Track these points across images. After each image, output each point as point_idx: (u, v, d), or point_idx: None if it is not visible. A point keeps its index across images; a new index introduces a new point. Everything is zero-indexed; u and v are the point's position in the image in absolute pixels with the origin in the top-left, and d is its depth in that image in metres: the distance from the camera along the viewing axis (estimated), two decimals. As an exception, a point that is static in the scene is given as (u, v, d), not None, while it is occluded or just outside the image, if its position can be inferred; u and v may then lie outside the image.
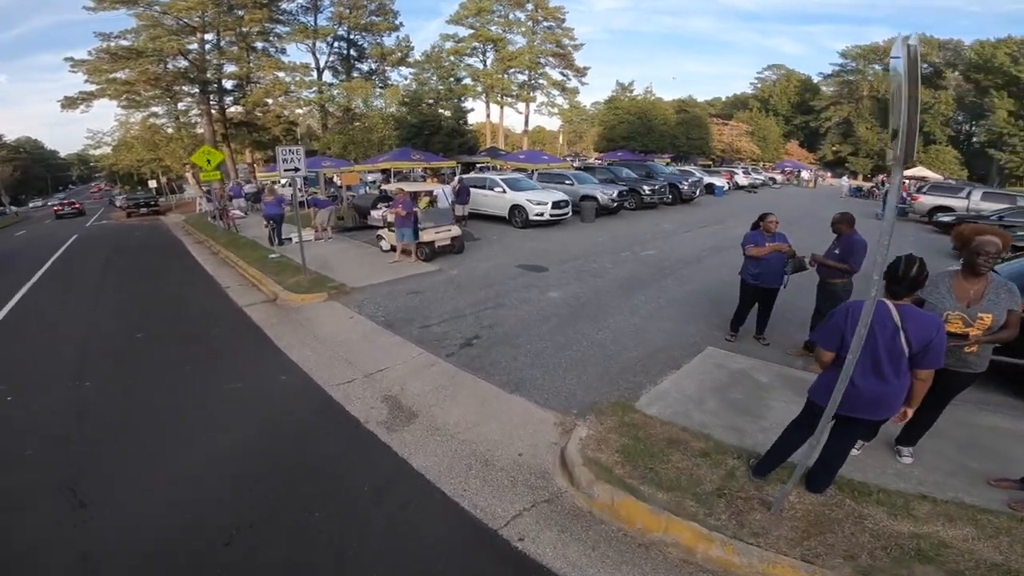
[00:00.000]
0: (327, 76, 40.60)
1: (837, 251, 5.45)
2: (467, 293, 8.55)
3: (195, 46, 31.99)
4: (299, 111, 40.15)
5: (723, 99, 68.43)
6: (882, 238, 2.33)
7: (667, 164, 32.66)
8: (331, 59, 40.99)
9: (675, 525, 3.20)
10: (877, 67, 52.99)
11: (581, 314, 7.43)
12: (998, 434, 4.20)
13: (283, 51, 37.45)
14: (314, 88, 38.29)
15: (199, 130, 35.31)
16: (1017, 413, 4.54)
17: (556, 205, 15.24)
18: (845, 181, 37.13)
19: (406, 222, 10.32)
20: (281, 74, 36.18)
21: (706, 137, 45.24)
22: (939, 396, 3.47)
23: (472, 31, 45.42)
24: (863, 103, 53.15)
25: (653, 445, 3.96)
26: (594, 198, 17.15)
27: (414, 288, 8.91)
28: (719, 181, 28.15)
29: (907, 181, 29.62)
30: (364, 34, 41.40)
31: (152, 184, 33.82)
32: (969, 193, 18.86)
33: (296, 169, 9.17)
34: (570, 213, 16.05)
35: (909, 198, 21.52)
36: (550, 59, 47.16)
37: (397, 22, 41.61)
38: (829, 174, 49.61)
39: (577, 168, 22.70)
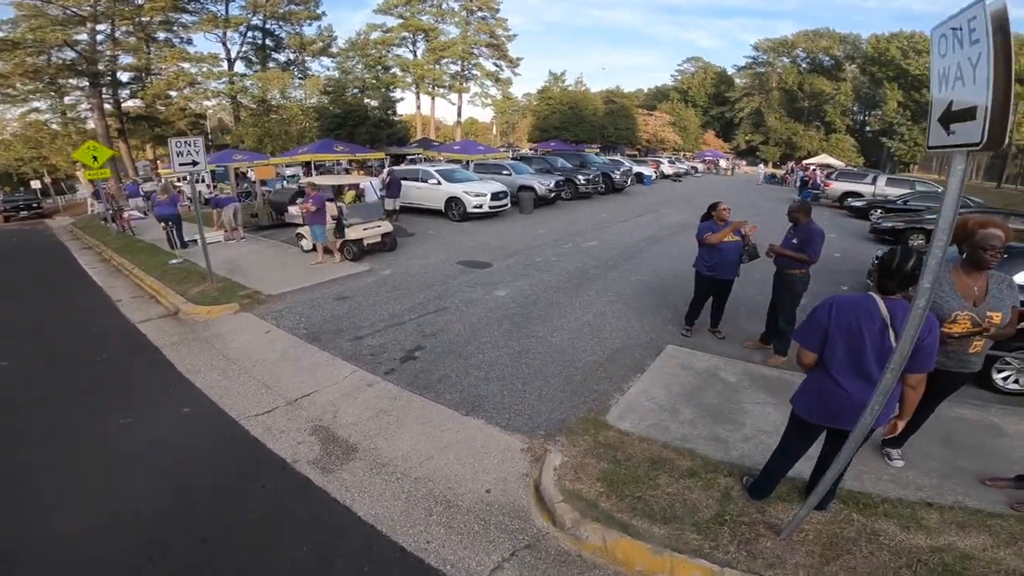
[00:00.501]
0: (239, 67, 37.51)
1: (795, 240, 5.27)
2: (404, 296, 7.75)
3: (85, 36, 28.36)
4: (207, 103, 36.92)
5: (646, 91, 70.25)
6: (938, 235, 1.90)
7: (597, 154, 32.92)
8: (244, 49, 37.93)
9: (681, 564, 2.74)
10: (785, 60, 56.46)
11: (532, 314, 6.88)
12: (970, 426, 4.11)
13: (189, 41, 34.34)
14: (224, 79, 35.19)
15: (90, 125, 31.44)
16: (978, 403, 4.49)
17: (495, 197, 14.65)
18: (761, 169, 39.41)
19: (317, 218, 9.38)
20: (186, 65, 33.11)
21: (633, 127, 46.10)
22: (934, 397, 3.23)
23: (402, 20, 43.58)
24: (772, 94, 56.37)
25: (636, 468, 3.47)
26: (532, 189, 16.73)
27: (342, 293, 7.98)
28: (647, 171, 28.73)
29: (815, 168, 31.71)
30: (281, 23, 38.68)
31: (35, 185, 29.67)
32: (875, 179, 20.21)
33: (194, 163, 7.92)
34: (509, 205, 15.56)
35: (822, 184, 22.90)
36: (484, 49, 46.23)
37: (319, 11, 39.28)
38: (744, 162, 52.40)
39: (514, 158, 22.22)
